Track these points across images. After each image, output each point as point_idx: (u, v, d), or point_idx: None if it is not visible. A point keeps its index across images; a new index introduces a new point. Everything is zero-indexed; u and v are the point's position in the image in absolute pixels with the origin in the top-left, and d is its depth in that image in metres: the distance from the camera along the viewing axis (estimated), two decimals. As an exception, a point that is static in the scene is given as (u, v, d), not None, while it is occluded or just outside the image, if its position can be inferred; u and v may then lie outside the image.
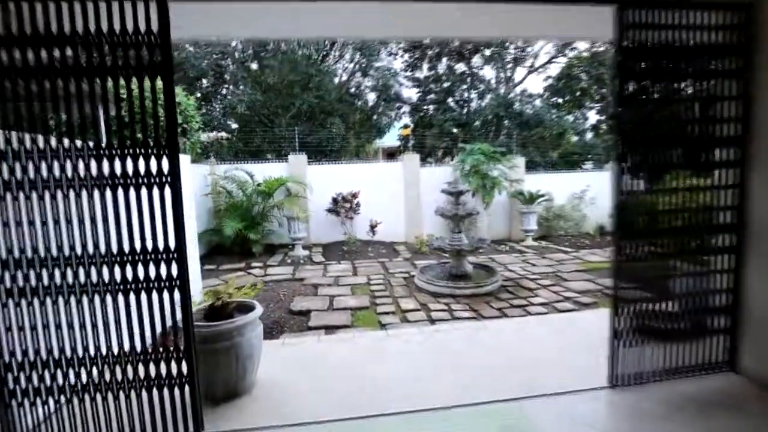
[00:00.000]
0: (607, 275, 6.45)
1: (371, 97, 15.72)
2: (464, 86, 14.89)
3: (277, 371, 2.99)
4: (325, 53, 13.83)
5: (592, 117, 18.31)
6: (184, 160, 4.96)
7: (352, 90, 15.43)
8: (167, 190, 2.13)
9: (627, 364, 2.71)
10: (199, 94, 13.90)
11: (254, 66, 14.59)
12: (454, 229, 5.90)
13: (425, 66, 16.16)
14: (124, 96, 2.15)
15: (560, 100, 17.29)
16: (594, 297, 5.37)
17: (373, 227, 9.15)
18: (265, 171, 8.88)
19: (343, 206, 8.98)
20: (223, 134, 15.09)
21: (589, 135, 17.63)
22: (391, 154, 17.28)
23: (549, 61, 14.96)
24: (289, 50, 12.57)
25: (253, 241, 7.96)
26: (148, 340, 2.17)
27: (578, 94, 17.64)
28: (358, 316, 4.73)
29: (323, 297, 5.42)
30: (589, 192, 10.56)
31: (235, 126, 13.36)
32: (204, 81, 14.13)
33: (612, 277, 2.75)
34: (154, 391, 2.19)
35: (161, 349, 2.17)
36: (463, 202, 6.00)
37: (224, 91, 14.55)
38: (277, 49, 12.48)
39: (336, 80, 15.23)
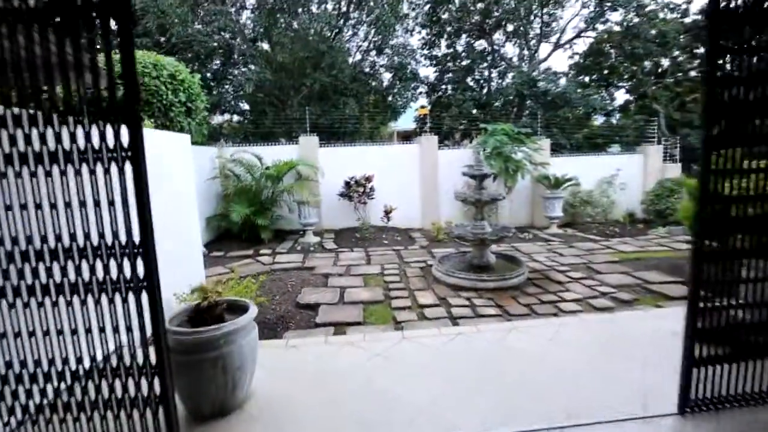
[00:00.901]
0: (643, 267, 5.87)
1: (386, 76, 15.04)
2: (485, 64, 14.05)
3: (276, 381, 2.60)
4: (337, 30, 13.15)
5: (620, 97, 17.26)
6: (169, 137, 4.55)
7: (367, 69, 14.77)
8: (128, 169, 1.67)
9: (705, 386, 2.19)
10: (209, 75, 13.50)
11: (265, 46, 14.06)
12: (476, 215, 5.38)
13: (443, 43, 15.35)
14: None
15: (586, 79, 16.27)
16: (633, 293, 4.82)
17: (387, 213, 8.69)
18: (274, 153, 8.46)
19: (356, 191, 8.52)
20: (234, 117, 14.74)
21: (616, 116, 16.62)
22: (406, 138, 16.66)
23: (578, 35, 13.93)
24: (300, 27, 11.97)
25: (262, 227, 7.60)
26: (112, 352, 1.77)
27: (605, 72, 16.58)
28: (370, 311, 4.31)
29: (333, 289, 5.01)
30: (619, 176, 9.82)
31: (246, 107, 12.92)
32: (215, 61, 13.70)
33: (691, 276, 2.18)
34: (122, 414, 1.81)
35: (128, 365, 1.77)
36: (486, 186, 5.45)
37: (236, 72, 14.10)
38: (289, 25, 11.89)
39: (350, 60, 14.59)
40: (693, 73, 16.46)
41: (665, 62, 14.87)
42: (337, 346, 3.13)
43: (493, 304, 4.45)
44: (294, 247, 7.55)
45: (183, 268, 4.38)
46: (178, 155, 4.52)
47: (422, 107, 13.95)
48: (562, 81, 13.68)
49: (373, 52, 14.72)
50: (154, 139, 3.94)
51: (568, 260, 6.43)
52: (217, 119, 14.98)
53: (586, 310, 4.29)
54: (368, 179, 8.62)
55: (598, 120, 15.89)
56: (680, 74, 15.39)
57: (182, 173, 4.58)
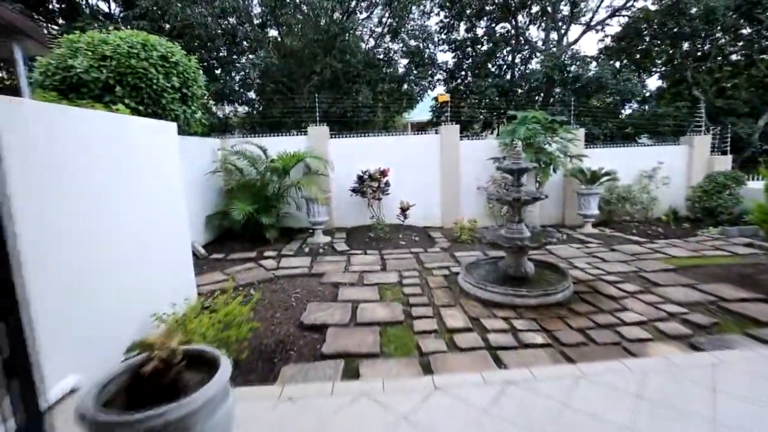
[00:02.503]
0: (707, 278, 4.97)
1: (402, 63, 14.12)
2: (507, 49, 13.01)
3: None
4: (349, 12, 12.26)
5: (651, 83, 16.00)
6: (146, 125, 3.84)
7: (381, 56, 13.88)
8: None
9: None
10: (214, 62, 12.80)
11: (273, 32, 13.28)
12: (512, 217, 4.55)
13: (462, 27, 14.34)
14: None
15: (617, 64, 15.05)
16: (709, 314, 3.95)
17: (404, 210, 7.90)
18: (280, 145, 7.71)
19: (369, 186, 7.75)
20: (244, 107, 14.03)
21: (647, 105, 15.38)
22: (421, 129, 15.75)
23: (613, 14, 12.74)
24: (310, 8, 11.15)
25: (267, 226, 6.89)
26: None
27: (638, 56, 15.32)
28: (388, 335, 3.55)
29: (344, 304, 4.26)
30: (661, 169, 8.80)
31: (252, 96, 12.20)
32: (221, 48, 12.98)
33: None
34: None
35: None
36: (525, 182, 4.61)
37: (243, 60, 13.37)
38: (297, 6, 11.07)
39: (363, 45, 13.72)
40: (734, 57, 15.14)
41: (707, 45, 13.60)
42: (348, 399, 2.37)
43: (538, 328, 3.64)
44: (302, 248, 6.84)
45: (165, 282, 3.69)
46: (160, 146, 3.81)
47: (441, 94, 13.02)
48: (592, 66, 12.56)
49: (388, 37, 13.82)
50: (116, 124, 3.22)
51: (614, 267, 5.56)
52: (224, 110, 14.34)
53: (658, 338, 3.46)
54: (383, 173, 7.83)
55: (628, 109, 14.69)
56: (720, 58, 14.10)
57: (165, 167, 3.87)
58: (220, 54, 13.21)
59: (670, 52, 14.11)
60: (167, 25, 11.59)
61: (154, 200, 3.60)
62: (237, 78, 12.93)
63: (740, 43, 14.45)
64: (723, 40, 13.92)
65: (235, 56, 13.22)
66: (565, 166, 7.98)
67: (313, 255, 6.43)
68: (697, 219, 8.52)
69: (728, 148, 9.23)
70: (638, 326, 3.69)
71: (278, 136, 8.37)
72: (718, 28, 12.18)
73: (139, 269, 3.33)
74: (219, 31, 11.96)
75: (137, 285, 3.26)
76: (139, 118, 3.65)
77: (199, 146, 7.18)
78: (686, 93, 14.21)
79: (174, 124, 4.15)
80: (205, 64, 11.78)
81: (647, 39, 13.24)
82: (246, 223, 6.92)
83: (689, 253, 6.23)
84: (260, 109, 12.97)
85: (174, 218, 3.99)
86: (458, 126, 8.51)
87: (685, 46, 12.79)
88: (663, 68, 15.04)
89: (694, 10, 10.96)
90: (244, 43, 13.02)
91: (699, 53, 13.76)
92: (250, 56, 12.79)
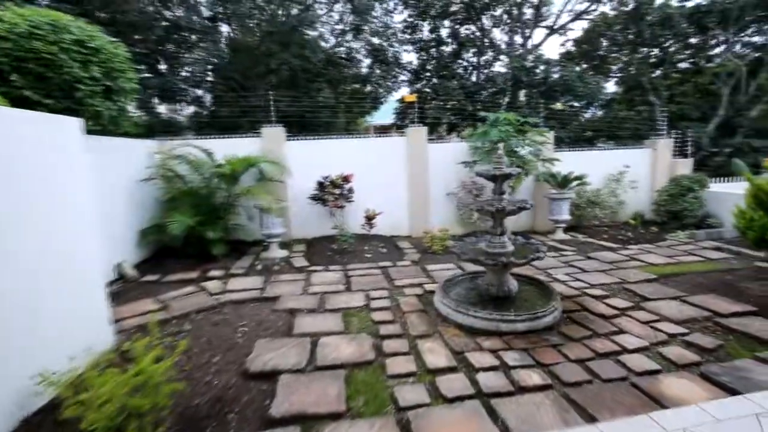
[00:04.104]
0: (693, 288, 4.69)
1: (365, 63, 13.48)
2: (473, 50, 12.74)
3: None
4: (308, 4, 11.46)
5: (609, 88, 16.40)
6: (28, 118, 2.95)
7: (343, 55, 13.17)
8: None
9: None
10: (160, 58, 11.54)
11: (225, 28, 12.21)
12: (494, 228, 4.00)
13: (426, 27, 13.94)
14: None
15: (577, 68, 15.28)
16: (710, 333, 3.59)
17: (369, 219, 7.24)
18: (230, 148, 6.80)
19: (331, 192, 7.03)
20: (193, 108, 12.80)
21: (610, 108, 15.71)
22: (384, 133, 15.18)
23: (575, 19, 12.80)
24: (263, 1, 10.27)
25: (213, 240, 5.98)
26: None
27: (596, 62, 15.64)
28: (356, 382, 2.86)
29: (301, 339, 3.52)
30: (628, 173, 8.74)
31: (200, 93, 11.09)
32: (162, 40, 11.69)
33: None
34: None
35: None
36: (505, 190, 4.09)
37: (191, 57, 12.16)
38: (249, -2, 10.16)
39: (324, 45, 12.96)
40: (682, 66, 15.82)
41: (660, 52, 14.05)
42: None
43: (532, 362, 3.09)
44: (254, 265, 5.98)
45: (63, 324, 2.81)
46: (53, 147, 2.91)
47: (408, 94, 12.50)
48: (556, 69, 12.55)
49: (350, 35, 13.14)
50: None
51: (596, 278, 5.19)
52: (175, 109, 12.99)
53: (666, 367, 3.01)
54: (346, 179, 7.14)
55: (589, 113, 14.92)
56: (670, 65, 14.63)
57: (62, 174, 2.97)
58: (167, 48, 11.95)
59: (626, 59, 14.48)
60: (102, 15, 10.28)
61: (41, 218, 2.71)
62: (184, 74, 11.74)
63: (687, 51, 15.11)
64: (673, 48, 14.47)
65: (184, 51, 12.02)
66: (537, 170, 7.65)
67: (266, 273, 5.61)
68: (663, 222, 8.49)
69: (689, 151, 9.35)
70: (641, 353, 3.24)
71: (227, 137, 7.44)
72: (670, 35, 12.56)
73: (17, 313, 2.45)
74: (163, 23, 10.78)
75: (14, 334, 2.39)
76: (10, 109, 2.73)
77: (130, 149, 6.15)
78: (640, 98, 14.62)
79: (75, 120, 3.25)
80: (136, 56, 10.56)
81: (606, 44, 13.46)
82: (188, 237, 5.97)
83: (665, 260, 6.02)
84: (211, 109, 11.86)
85: (78, 238, 3.09)
86: (426, 128, 7.98)
87: (644, 52, 13.10)
88: (620, 74, 15.42)
89: (650, 18, 11.16)
90: (193, 37, 11.86)
91: (654, 60, 14.19)
92: (200, 54, 11.64)
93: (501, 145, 5.28)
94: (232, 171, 6.34)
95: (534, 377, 2.86)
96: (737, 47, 13.51)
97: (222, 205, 6.51)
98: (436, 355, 3.20)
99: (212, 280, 5.33)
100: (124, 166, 5.90)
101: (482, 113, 7.62)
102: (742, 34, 13.12)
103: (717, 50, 14.34)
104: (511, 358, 3.15)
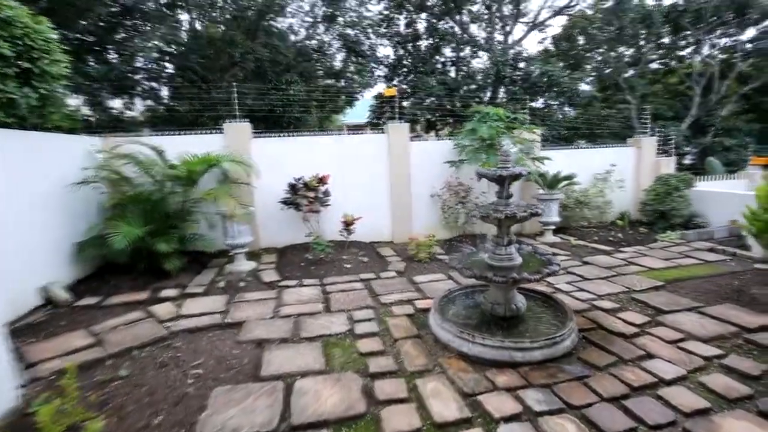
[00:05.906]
0: (707, 296, 4.30)
1: (339, 57, 12.71)
2: (452, 45, 12.26)
3: None
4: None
5: (585, 86, 16.41)
6: None
7: (314, 47, 12.35)
8: None
9: None
10: (110, 47, 10.33)
11: (184, 17, 11.13)
12: (499, 238, 3.42)
13: (402, 21, 13.36)
14: None
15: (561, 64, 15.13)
16: (745, 354, 3.14)
17: (348, 225, 6.52)
18: (187, 146, 5.87)
19: (305, 196, 6.27)
20: (148, 102, 11.62)
21: (590, 105, 15.66)
22: (358, 131, 14.47)
23: (555, 15, 12.54)
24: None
25: (166, 254, 5.11)
26: None
27: (572, 62, 15.56)
28: (344, 447, 2.19)
29: (271, 383, 2.80)
30: (615, 172, 8.47)
31: (155, 85, 10.00)
32: (104, 25, 10.44)
33: None
34: None
35: None
36: (512, 192, 3.51)
37: (145, 45, 10.99)
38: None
39: (293, 37, 12.10)
40: (654, 66, 16.02)
41: (635, 51, 14.09)
42: None
43: (561, 405, 2.51)
44: (215, 282, 5.16)
45: None
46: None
47: (388, 87, 11.80)
48: (537, 65, 12.26)
49: (322, 27, 12.34)
50: None
51: (600, 287, 4.73)
52: (131, 104, 11.73)
53: (717, 404, 2.50)
54: (322, 180, 6.42)
55: (571, 111, 14.80)
56: (643, 65, 14.75)
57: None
58: (117, 36, 10.73)
59: (600, 58, 14.44)
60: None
61: None
62: (138, 66, 10.58)
63: (660, 52, 15.29)
64: (646, 48, 14.57)
65: (134, 40, 10.84)
66: (528, 169, 7.18)
67: (230, 291, 4.81)
68: (650, 222, 8.26)
69: (673, 150, 9.21)
70: (680, 385, 2.74)
71: (185, 134, 6.54)
72: (646, 34, 12.56)
73: None
74: (111, 8, 9.62)
75: None
76: None
77: (62, 147, 5.18)
78: (615, 97, 14.65)
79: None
80: (81, 43, 9.40)
81: (582, 42, 13.33)
82: (137, 250, 5.08)
83: (664, 264, 5.67)
84: (170, 104, 10.76)
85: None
86: (408, 125, 7.36)
87: (621, 50, 13.04)
88: (594, 73, 15.41)
89: (631, 15, 11.03)
90: (147, 25, 10.72)
91: (628, 59, 14.22)
92: (154, 40, 10.53)
93: (507, 141, 4.71)
94: (188, 172, 5.47)
95: (569, 428, 2.28)
96: (705, 49, 13.75)
97: (177, 212, 5.63)
98: (442, 400, 2.56)
99: (164, 302, 4.49)
100: (55, 167, 4.93)
101: (470, 109, 7.06)
102: (712, 35, 13.33)
103: (686, 51, 14.58)
104: (533, 399, 2.57)
